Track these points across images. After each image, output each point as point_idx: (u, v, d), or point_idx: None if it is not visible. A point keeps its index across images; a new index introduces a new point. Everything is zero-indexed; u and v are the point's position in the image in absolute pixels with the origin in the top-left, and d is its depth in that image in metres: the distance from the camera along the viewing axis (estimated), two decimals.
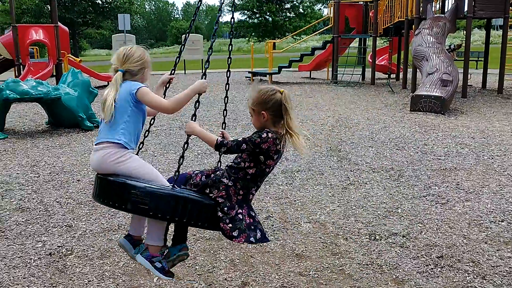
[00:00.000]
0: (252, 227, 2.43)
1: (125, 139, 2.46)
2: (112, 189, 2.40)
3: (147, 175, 2.44)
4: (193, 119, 2.46)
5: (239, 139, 2.39)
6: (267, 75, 17.13)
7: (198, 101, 2.48)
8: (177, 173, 2.42)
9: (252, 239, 2.41)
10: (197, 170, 2.65)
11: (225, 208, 2.39)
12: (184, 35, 3.01)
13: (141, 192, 2.31)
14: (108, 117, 2.44)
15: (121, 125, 2.47)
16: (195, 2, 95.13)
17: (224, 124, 2.86)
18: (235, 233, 2.37)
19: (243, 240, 2.38)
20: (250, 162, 2.43)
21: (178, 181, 2.45)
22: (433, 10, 12.94)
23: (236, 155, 2.50)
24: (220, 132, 2.70)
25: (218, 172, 2.53)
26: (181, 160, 2.44)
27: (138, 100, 2.48)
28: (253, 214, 2.48)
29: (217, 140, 2.40)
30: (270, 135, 2.38)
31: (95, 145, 2.50)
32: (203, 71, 2.59)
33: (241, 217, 2.41)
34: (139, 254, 2.49)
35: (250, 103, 2.50)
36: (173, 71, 2.78)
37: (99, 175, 2.50)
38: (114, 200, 2.39)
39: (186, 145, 2.45)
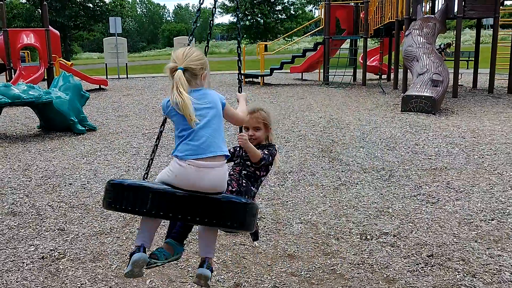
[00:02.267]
0: None
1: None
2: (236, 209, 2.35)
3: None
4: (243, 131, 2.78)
5: (266, 153, 2.72)
6: (259, 77, 17.17)
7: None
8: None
9: None
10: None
11: None
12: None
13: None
14: (197, 119, 2.29)
15: (222, 132, 2.39)
16: (186, 4, 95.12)
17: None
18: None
19: None
20: (264, 170, 2.81)
21: None
22: (423, 11, 13.04)
23: (246, 166, 2.79)
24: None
25: (243, 181, 2.73)
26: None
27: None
28: None
29: (261, 154, 2.67)
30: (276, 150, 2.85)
31: (208, 158, 2.29)
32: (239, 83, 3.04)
33: None
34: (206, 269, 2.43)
35: (264, 120, 2.80)
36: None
37: (208, 195, 2.30)
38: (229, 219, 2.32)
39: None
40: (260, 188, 5.21)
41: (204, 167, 2.27)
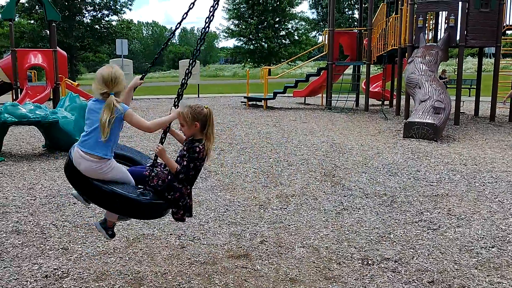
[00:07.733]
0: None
1: (111, 153, 3.05)
2: (99, 193, 3.02)
3: (122, 179, 3.09)
4: (162, 143, 3.15)
5: (185, 163, 3.10)
6: (262, 100, 17.33)
7: (168, 126, 3.21)
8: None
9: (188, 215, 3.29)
10: (149, 168, 3.21)
11: (180, 203, 3.16)
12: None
13: (121, 200, 2.98)
14: (105, 137, 2.96)
15: (111, 142, 3.05)
16: (191, 28, 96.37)
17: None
18: (184, 217, 3.25)
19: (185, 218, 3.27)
20: (192, 169, 3.14)
21: (136, 174, 3.18)
22: (425, 38, 13.23)
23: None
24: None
25: (170, 177, 3.15)
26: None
27: (123, 119, 3.02)
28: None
29: (176, 168, 3.10)
30: (201, 147, 3.12)
31: (83, 151, 3.06)
32: (176, 99, 3.27)
33: (189, 204, 3.26)
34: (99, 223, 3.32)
35: (184, 117, 3.13)
36: (143, 77, 3.42)
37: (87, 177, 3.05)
38: (97, 200, 3.10)
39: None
40: (263, 211, 5.25)
41: None
